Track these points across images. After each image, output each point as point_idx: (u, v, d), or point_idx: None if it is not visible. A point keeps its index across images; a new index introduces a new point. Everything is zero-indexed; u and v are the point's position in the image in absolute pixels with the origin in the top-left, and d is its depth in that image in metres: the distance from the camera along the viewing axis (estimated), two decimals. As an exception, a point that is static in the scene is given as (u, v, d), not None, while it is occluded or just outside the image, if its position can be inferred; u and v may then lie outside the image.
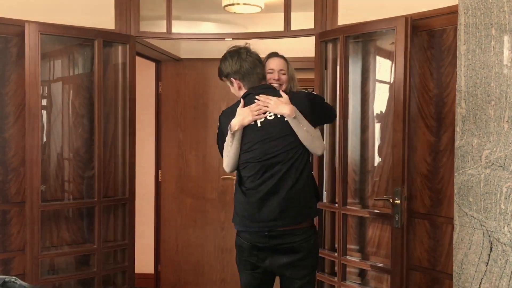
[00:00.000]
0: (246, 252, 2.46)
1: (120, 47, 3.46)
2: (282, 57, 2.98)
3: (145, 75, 4.52)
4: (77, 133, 3.38)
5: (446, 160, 2.83)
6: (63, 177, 3.35)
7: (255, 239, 2.41)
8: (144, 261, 4.46)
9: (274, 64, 2.88)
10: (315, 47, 3.36)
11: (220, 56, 4.52)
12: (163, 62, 4.42)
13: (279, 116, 2.43)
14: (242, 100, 2.52)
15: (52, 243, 3.27)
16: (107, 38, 3.33)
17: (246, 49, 2.60)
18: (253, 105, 2.47)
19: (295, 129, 2.41)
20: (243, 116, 2.44)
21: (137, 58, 4.16)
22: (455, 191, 2.54)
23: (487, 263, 2.38)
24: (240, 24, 4.45)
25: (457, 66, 2.53)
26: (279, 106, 2.43)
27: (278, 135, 2.42)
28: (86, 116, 3.39)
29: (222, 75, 2.65)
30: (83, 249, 3.33)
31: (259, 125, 2.44)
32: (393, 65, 2.88)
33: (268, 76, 2.80)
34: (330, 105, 2.88)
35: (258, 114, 2.44)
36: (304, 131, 2.41)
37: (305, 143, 2.42)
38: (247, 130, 2.46)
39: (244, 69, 2.53)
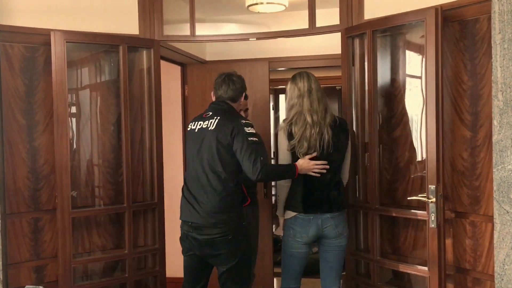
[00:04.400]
0: None
1: (144, 52, 3.46)
2: None
3: (171, 78, 4.52)
4: (105, 139, 3.39)
5: (484, 155, 2.70)
6: (93, 183, 3.37)
7: None
8: (176, 265, 4.44)
9: None
10: (341, 43, 3.27)
11: (245, 57, 4.53)
12: (189, 65, 4.41)
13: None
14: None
15: (84, 249, 3.29)
16: (131, 43, 3.33)
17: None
18: None
19: None
20: None
21: (163, 62, 4.16)
22: (494, 187, 2.42)
23: (532, 263, 2.26)
24: (264, 24, 4.40)
25: (493, 56, 2.40)
26: None
27: None
28: (113, 122, 3.40)
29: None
30: (114, 255, 3.33)
31: None
32: (424, 58, 2.76)
33: None
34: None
35: None
36: None
37: None
38: None
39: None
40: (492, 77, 2.40)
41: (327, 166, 2.87)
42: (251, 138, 2.75)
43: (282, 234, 3.06)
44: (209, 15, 4.45)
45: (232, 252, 2.81)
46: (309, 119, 2.87)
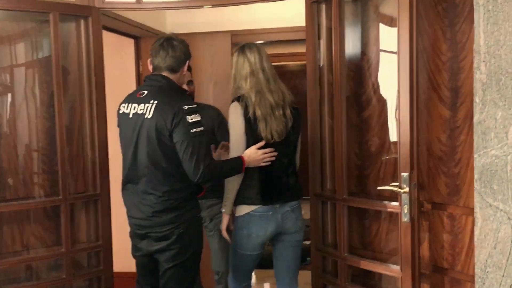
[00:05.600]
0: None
1: (82, 22, 3.01)
2: None
3: (125, 53, 4.08)
4: (38, 122, 2.96)
5: (465, 138, 2.33)
6: (25, 173, 2.94)
7: None
8: (127, 259, 4.08)
9: None
10: (305, 11, 2.85)
11: (209, 30, 4.10)
12: (143, 38, 3.96)
13: None
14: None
15: (14, 247, 2.89)
16: (64, 11, 2.88)
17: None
18: None
19: None
20: None
21: (114, 35, 3.75)
22: (476, 176, 2.05)
23: (518, 267, 1.91)
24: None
25: (475, 20, 2.01)
26: None
27: None
28: (48, 104, 2.97)
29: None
30: (49, 254, 2.93)
31: None
32: (397, 25, 2.36)
33: None
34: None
35: None
36: None
37: None
38: None
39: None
40: (474, 45, 2.01)
41: (275, 153, 2.53)
42: (195, 130, 2.32)
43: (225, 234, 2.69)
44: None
45: (182, 248, 2.45)
46: (271, 99, 2.55)
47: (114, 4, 3.12)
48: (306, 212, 2.80)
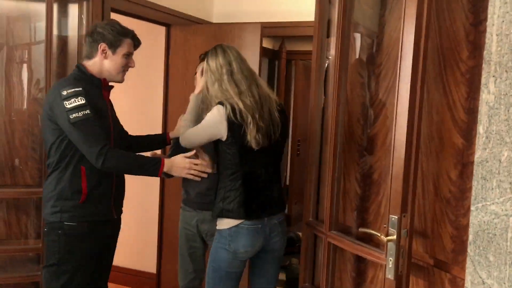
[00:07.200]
0: None
1: (85, 4, 2.82)
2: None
3: (157, 42, 3.85)
4: (32, 108, 2.85)
5: (477, 179, 1.70)
6: (14, 161, 2.85)
7: None
8: (146, 259, 3.90)
9: None
10: (315, 4, 2.35)
11: (254, 20, 3.72)
12: (173, 26, 3.65)
13: None
14: None
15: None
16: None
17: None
18: None
19: None
20: None
21: (148, 24, 3.53)
22: (470, 238, 1.45)
23: None
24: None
25: (488, 16, 1.41)
26: None
27: None
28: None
29: None
30: (24, 247, 2.81)
31: None
32: (402, 18, 1.78)
33: None
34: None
35: None
36: None
37: None
38: None
39: None
40: (484, 52, 1.40)
41: (209, 170, 2.18)
42: (75, 115, 2.08)
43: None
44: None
45: (48, 251, 2.24)
46: (256, 97, 2.25)
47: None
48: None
